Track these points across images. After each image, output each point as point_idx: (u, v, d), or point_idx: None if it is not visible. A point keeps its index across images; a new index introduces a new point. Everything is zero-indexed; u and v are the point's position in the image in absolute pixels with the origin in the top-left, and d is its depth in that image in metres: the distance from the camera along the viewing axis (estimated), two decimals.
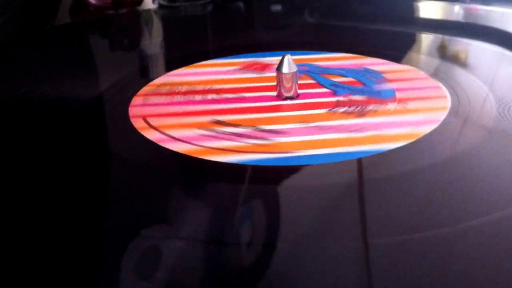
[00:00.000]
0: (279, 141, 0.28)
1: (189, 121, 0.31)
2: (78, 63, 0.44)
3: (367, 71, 0.37)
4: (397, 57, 0.40)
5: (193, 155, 0.27)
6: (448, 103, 0.32)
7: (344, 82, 0.36)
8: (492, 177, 0.25)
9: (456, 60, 0.41)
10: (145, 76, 0.41)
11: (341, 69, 0.38)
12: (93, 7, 0.57)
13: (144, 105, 0.33)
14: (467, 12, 0.52)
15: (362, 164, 0.26)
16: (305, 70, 0.37)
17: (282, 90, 0.33)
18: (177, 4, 0.60)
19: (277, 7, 0.59)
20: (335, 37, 0.49)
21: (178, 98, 0.34)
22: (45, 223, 0.22)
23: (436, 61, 0.40)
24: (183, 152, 0.27)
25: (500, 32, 0.46)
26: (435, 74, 0.36)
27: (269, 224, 0.22)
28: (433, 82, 0.35)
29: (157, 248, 0.21)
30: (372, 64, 0.39)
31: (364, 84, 0.35)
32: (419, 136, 0.28)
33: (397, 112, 0.31)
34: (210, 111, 0.32)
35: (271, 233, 0.22)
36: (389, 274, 0.19)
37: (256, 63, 0.40)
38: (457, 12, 0.53)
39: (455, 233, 0.21)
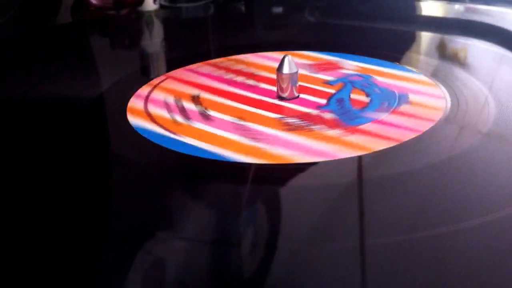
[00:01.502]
0: None
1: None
2: (79, 63, 0.44)
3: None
4: (396, 56, 0.40)
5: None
6: (446, 103, 0.32)
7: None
8: (490, 177, 0.25)
9: (455, 60, 0.41)
10: (145, 76, 0.41)
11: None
12: (94, 7, 0.57)
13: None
14: (467, 12, 0.52)
15: (360, 164, 0.26)
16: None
17: (280, 91, 0.33)
18: (178, 4, 0.60)
19: (278, 9, 0.59)
20: (335, 36, 0.49)
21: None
22: (46, 223, 0.22)
23: (435, 61, 0.40)
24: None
25: (499, 32, 0.46)
26: (434, 74, 0.36)
27: (269, 224, 0.22)
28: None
29: (161, 248, 0.21)
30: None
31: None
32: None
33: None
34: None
35: (271, 233, 0.22)
36: (388, 274, 0.19)
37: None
38: (456, 11, 0.53)
39: (454, 234, 0.21)
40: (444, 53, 0.43)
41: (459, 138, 0.28)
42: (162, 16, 0.59)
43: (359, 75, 0.37)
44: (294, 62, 0.33)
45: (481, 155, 0.26)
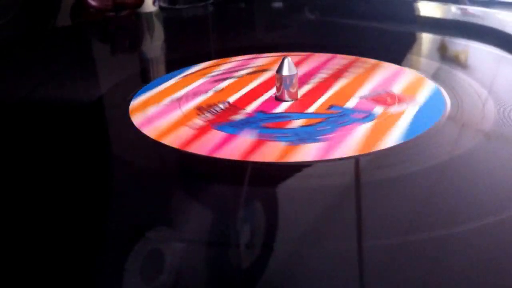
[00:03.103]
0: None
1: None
2: (79, 65, 0.44)
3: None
4: (395, 57, 0.40)
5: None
6: (446, 103, 0.32)
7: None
8: (490, 179, 0.25)
9: (454, 62, 0.41)
10: (145, 77, 0.41)
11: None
12: (93, 9, 0.57)
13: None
14: (466, 14, 0.52)
15: (358, 165, 0.26)
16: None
17: (285, 93, 0.33)
18: (177, 6, 0.61)
19: (278, 4, 0.59)
20: (335, 37, 0.49)
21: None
22: (47, 224, 0.22)
23: (434, 63, 0.40)
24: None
25: (498, 34, 0.46)
26: (434, 75, 0.36)
27: (273, 224, 0.22)
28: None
29: (162, 249, 0.21)
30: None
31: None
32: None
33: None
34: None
35: (273, 233, 0.22)
36: (389, 276, 0.19)
37: None
38: (456, 13, 0.53)
39: (454, 236, 0.21)
40: (444, 55, 0.43)
41: (459, 139, 0.28)
42: (161, 18, 0.59)
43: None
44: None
45: (481, 156, 0.27)
